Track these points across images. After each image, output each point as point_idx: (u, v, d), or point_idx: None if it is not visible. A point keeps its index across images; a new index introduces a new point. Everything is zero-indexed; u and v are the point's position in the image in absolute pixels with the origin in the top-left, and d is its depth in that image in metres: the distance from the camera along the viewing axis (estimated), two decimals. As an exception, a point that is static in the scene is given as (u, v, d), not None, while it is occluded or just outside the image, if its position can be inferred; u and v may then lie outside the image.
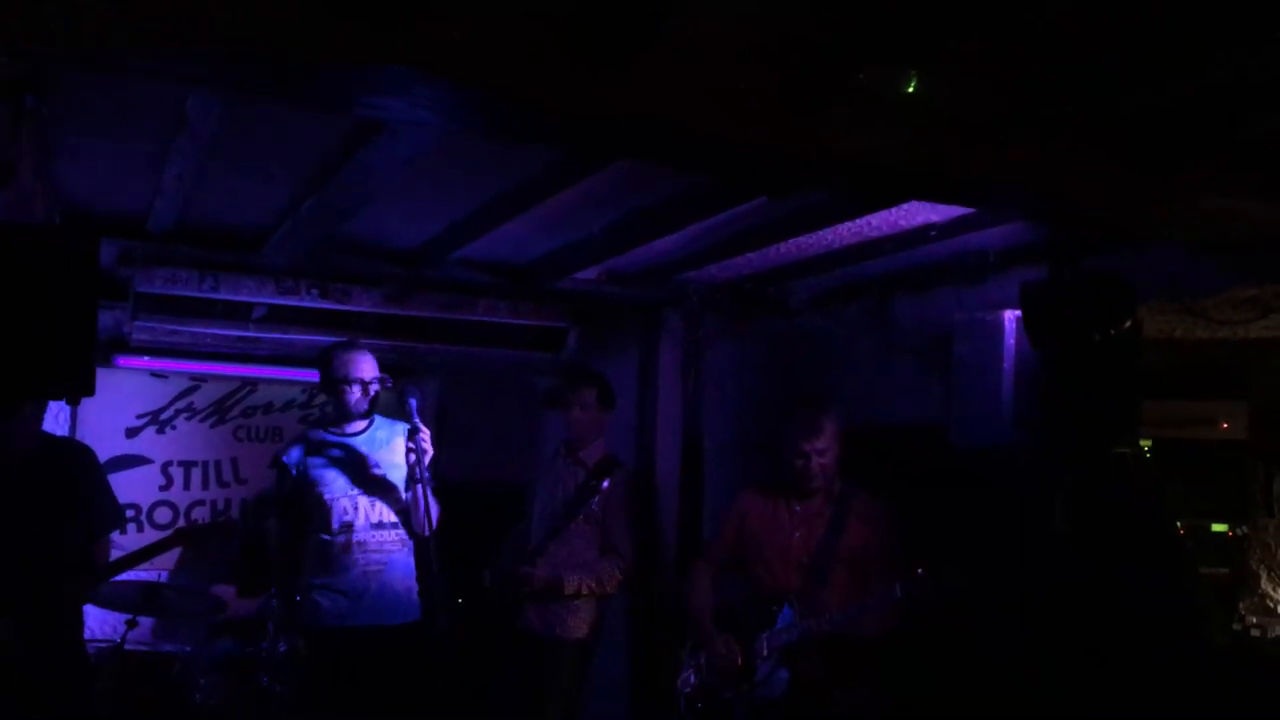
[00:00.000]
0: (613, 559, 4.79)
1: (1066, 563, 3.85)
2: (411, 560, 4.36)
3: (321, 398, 6.79)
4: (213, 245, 4.84)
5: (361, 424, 4.45)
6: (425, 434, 4.21)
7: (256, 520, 5.93)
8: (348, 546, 4.30)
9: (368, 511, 4.34)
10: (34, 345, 2.70)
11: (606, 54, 2.33)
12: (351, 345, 4.52)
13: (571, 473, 4.98)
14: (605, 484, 4.75)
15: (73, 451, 4.23)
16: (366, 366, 4.39)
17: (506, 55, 2.30)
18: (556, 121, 2.50)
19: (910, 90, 2.54)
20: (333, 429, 4.47)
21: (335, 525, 4.30)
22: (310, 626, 4.41)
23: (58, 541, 3.88)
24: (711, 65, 2.49)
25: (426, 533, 4.22)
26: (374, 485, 4.36)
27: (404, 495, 4.32)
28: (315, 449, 4.43)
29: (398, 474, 4.33)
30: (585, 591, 4.73)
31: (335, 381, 4.38)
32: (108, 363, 6.15)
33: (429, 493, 4.20)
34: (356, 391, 4.35)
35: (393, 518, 4.35)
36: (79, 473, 4.06)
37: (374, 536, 4.32)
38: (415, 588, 4.38)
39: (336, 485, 4.34)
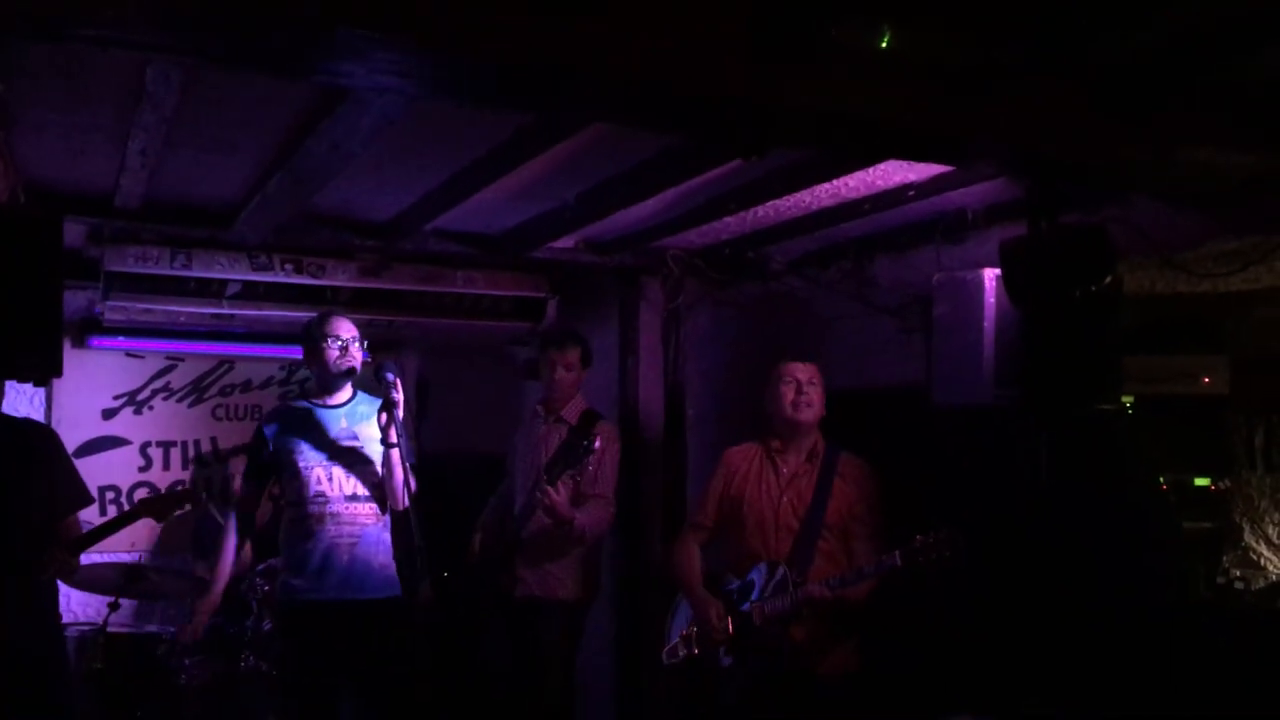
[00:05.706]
0: (597, 502, 4.80)
1: (1049, 521, 3.84)
2: (387, 536, 4.30)
3: (302, 373, 6.75)
4: (183, 222, 4.78)
5: (344, 395, 4.39)
6: (395, 387, 4.18)
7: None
8: (320, 518, 4.24)
9: (342, 483, 4.28)
10: (-2, 326, 2.65)
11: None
12: (330, 311, 4.56)
13: (554, 431, 4.96)
14: (597, 443, 4.72)
15: (31, 432, 4.19)
16: (344, 326, 4.37)
17: (464, 10, 2.23)
18: (519, 77, 2.44)
19: (884, 45, 2.50)
20: (315, 399, 4.43)
21: (309, 494, 4.26)
22: (281, 602, 4.37)
23: (18, 520, 3.85)
24: (676, 12, 2.42)
25: (400, 506, 4.19)
26: (350, 457, 4.30)
27: (380, 469, 4.28)
28: (296, 417, 4.38)
29: (376, 449, 4.28)
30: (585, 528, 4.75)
31: (315, 341, 4.35)
32: (82, 344, 6.07)
33: (405, 461, 4.17)
34: (335, 349, 4.29)
35: (366, 491, 4.29)
36: (37, 452, 4.02)
37: (347, 509, 4.26)
38: (392, 565, 4.33)
39: (312, 455, 4.28)
